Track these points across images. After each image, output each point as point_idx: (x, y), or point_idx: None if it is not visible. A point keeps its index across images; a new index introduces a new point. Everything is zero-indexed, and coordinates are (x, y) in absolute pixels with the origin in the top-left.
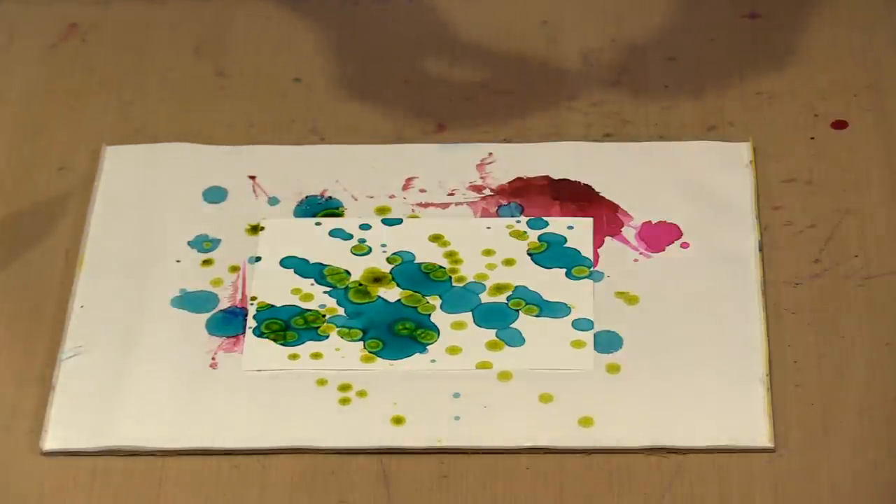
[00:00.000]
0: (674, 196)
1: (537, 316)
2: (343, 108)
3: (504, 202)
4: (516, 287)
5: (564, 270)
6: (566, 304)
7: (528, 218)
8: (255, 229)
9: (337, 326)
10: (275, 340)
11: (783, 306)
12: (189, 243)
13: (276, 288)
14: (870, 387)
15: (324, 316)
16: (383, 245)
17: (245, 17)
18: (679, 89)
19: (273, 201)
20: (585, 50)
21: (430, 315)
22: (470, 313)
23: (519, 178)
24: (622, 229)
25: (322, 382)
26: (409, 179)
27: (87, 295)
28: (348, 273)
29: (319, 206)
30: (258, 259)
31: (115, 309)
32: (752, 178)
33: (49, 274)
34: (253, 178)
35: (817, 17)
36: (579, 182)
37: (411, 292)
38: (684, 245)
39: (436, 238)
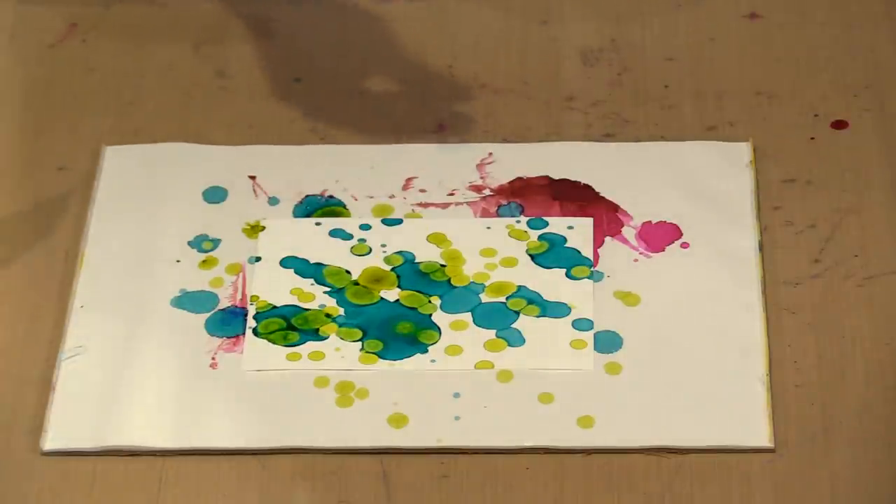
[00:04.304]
0: (674, 196)
1: (537, 316)
2: (343, 108)
3: (504, 202)
4: (517, 287)
5: (564, 270)
6: (566, 304)
7: (528, 218)
8: (255, 229)
9: (338, 326)
10: (274, 341)
11: (783, 306)
12: (189, 243)
13: (277, 288)
14: (870, 387)
15: (327, 315)
16: (383, 245)
17: (245, 17)
18: (679, 89)
19: (273, 201)
20: (585, 50)
21: (431, 315)
22: (470, 313)
23: (519, 178)
24: (622, 229)
25: (322, 383)
26: (409, 179)
27: (87, 295)
28: (349, 273)
29: (321, 205)
30: (258, 259)
31: (115, 309)
32: (752, 178)
33: (49, 274)
34: (253, 178)
35: (817, 17)
36: (579, 182)
37: (412, 292)
38: (684, 245)
39: (436, 238)
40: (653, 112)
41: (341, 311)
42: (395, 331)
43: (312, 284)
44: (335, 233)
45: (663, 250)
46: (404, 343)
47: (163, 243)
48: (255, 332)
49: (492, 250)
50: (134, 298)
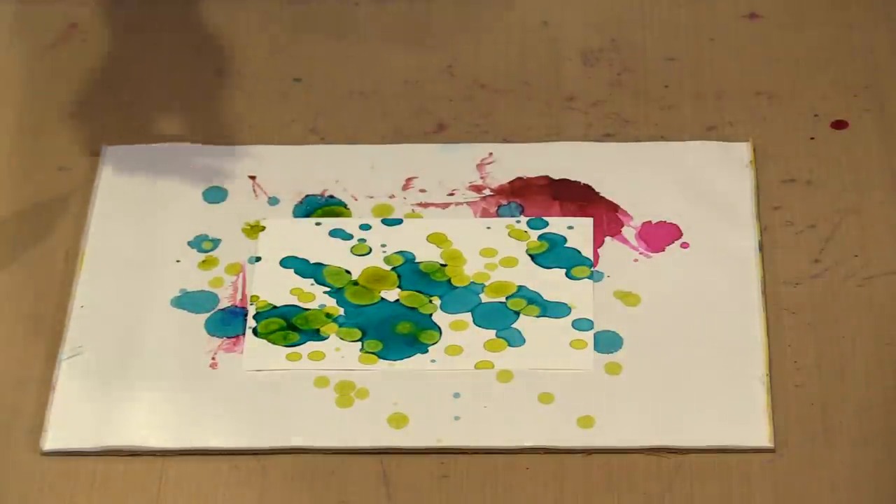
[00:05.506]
0: (674, 196)
1: (537, 316)
2: (343, 108)
3: (504, 202)
4: (517, 287)
5: (564, 270)
6: (566, 304)
7: (528, 218)
8: (255, 229)
9: (338, 326)
10: (274, 341)
11: (783, 306)
12: (189, 243)
13: (277, 288)
14: (870, 387)
15: (328, 315)
16: (383, 245)
17: (245, 17)
18: (679, 89)
19: (273, 201)
20: (585, 50)
21: (431, 315)
22: (470, 313)
23: (519, 178)
24: (622, 229)
25: (322, 383)
26: (409, 179)
27: (87, 295)
28: (348, 273)
29: (321, 205)
30: (258, 259)
31: (115, 309)
32: (752, 178)
33: (49, 274)
34: (253, 178)
35: (817, 17)
36: (579, 182)
37: (412, 292)
38: (684, 245)
39: (436, 238)
40: (653, 112)
41: (341, 311)
42: (395, 331)
43: (312, 284)
44: (335, 233)
45: (663, 250)
46: (404, 343)
47: (163, 243)
48: (255, 332)
49: (492, 250)
50: (134, 298)
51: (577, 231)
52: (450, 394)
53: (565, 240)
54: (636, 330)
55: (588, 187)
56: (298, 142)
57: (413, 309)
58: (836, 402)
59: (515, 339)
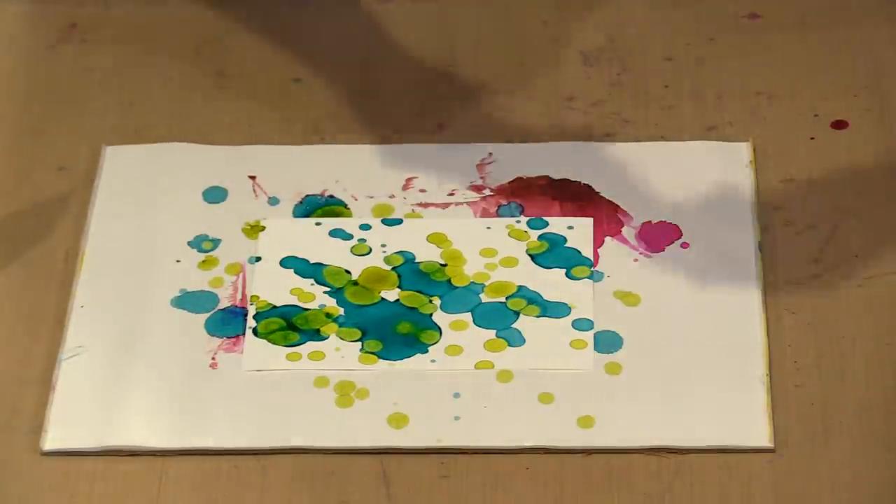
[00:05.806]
0: (674, 196)
1: (537, 316)
2: (343, 108)
3: (504, 202)
4: (517, 287)
5: (564, 270)
6: (566, 305)
7: (528, 218)
8: (255, 229)
9: (338, 326)
10: (274, 341)
11: (783, 306)
12: (189, 243)
13: (277, 288)
14: (870, 387)
15: (328, 315)
16: (383, 245)
17: (245, 17)
18: (679, 89)
19: (273, 201)
20: (585, 50)
21: (431, 315)
22: (470, 313)
23: (519, 178)
24: (622, 229)
25: (322, 383)
26: (409, 179)
27: (87, 295)
28: (348, 273)
29: (321, 205)
30: (258, 259)
31: (115, 309)
32: (752, 178)
33: (49, 274)
34: (253, 178)
35: (817, 17)
36: (579, 182)
37: (412, 292)
38: (684, 245)
39: (436, 238)
40: (653, 112)
41: (341, 311)
42: (395, 331)
43: (312, 284)
44: (335, 233)
45: (663, 250)
46: (404, 343)
47: (163, 243)
48: (255, 332)
49: (492, 250)
50: (134, 298)
51: (577, 231)
52: (450, 394)
53: (565, 240)
54: (636, 330)
55: (588, 187)
56: (298, 142)
57: (413, 309)
58: (836, 402)
59: (515, 339)
